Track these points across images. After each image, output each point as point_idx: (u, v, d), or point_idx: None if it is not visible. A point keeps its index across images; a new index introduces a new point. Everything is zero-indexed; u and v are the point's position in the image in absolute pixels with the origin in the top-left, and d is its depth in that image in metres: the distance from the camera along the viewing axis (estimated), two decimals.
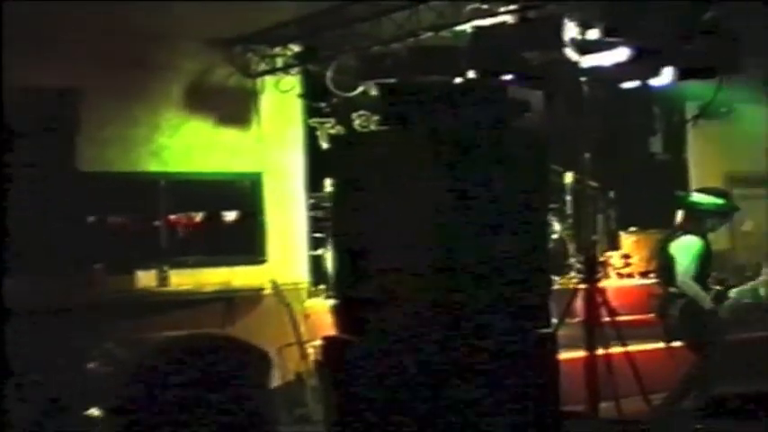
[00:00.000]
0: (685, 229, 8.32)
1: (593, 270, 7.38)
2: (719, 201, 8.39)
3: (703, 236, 8.27)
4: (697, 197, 8.53)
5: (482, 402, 5.32)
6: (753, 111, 14.12)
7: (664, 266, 8.40)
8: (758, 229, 13.58)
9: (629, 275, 11.66)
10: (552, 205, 10.95)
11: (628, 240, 12.18)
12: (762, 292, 11.90)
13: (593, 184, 11.25)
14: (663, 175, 13.07)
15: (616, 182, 12.12)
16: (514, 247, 5.48)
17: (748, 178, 14.35)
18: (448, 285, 5.26)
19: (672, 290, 8.28)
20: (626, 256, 11.83)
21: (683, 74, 7.29)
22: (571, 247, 11.11)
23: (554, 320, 6.84)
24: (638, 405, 7.63)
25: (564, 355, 7.37)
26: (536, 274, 5.67)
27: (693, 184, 13.58)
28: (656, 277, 8.76)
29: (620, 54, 6.86)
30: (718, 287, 8.33)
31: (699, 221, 8.31)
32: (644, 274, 11.59)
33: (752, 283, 8.89)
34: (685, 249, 8.19)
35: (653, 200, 12.24)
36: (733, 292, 8.46)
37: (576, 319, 7.66)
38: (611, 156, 11.93)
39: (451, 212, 5.17)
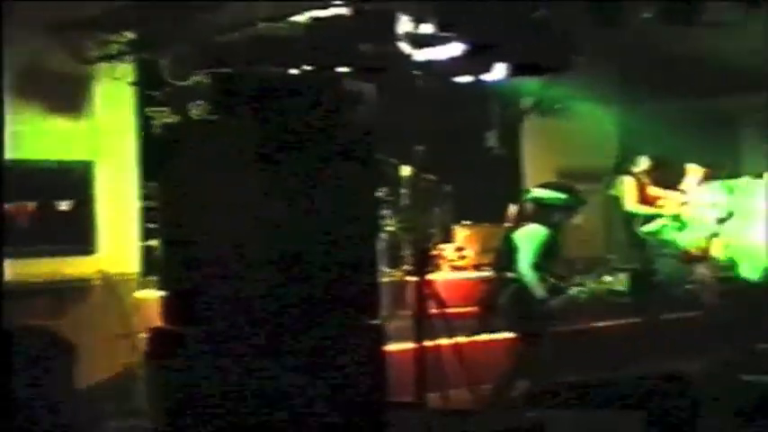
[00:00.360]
0: (533, 219, 8.53)
1: (423, 263, 7.48)
2: (562, 195, 8.60)
3: (551, 227, 8.46)
4: (539, 192, 8.72)
5: (308, 394, 5.34)
6: (585, 107, 14.55)
7: (505, 254, 8.57)
8: (588, 224, 13.97)
9: (463, 268, 11.84)
10: (387, 198, 11.05)
11: (462, 233, 12.37)
12: (620, 286, 12.38)
13: (430, 177, 11.45)
14: (498, 170, 13.33)
15: (452, 175, 12.29)
16: (342, 239, 5.52)
17: (580, 173, 14.77)
18: (274, 277, 5.26)
19: (508, 276, 8.47)
20: (460, 249, 12.02)
21: (515, 70, 7.45)
22: (406, 240, 11.22)
23: (384, 313, 6.95)
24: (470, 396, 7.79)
25: (393, 347, 7.53)
26: (364, 266, 5.73)
27: (527, 178, 13.91)
28: (496, 265, 8.92)
29: (454, 49, 6.97)
30: (553, 279, 8.53)
31: (545, 214, 8.50)
32: (477, 267, 11.82)
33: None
34: (529, 238, 8.37)
35: (488, 194, 12.49)
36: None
37: (407, 312, 7.74)
38: (447, 150, 12.14)
39: (278, 204, 5.16)
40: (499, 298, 8.50)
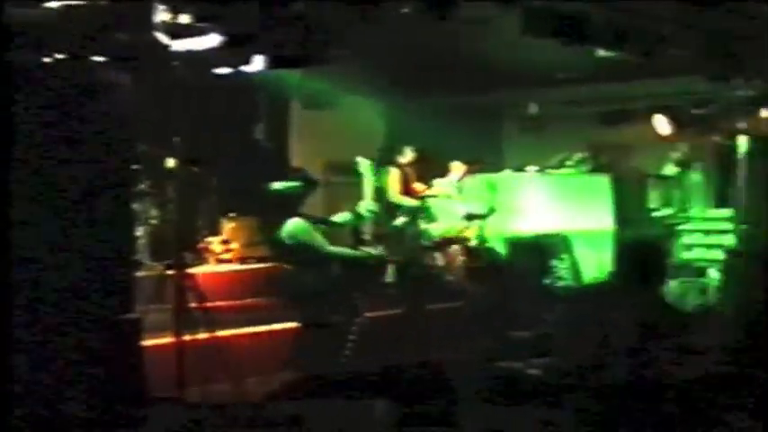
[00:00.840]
0: (288, 212, 8.69)
1: (182, 256, 7.41)
2: (294, 184, 8.82)
3: (302, 216, 8.67)
4: (278, 185, 8.96)
5: (63, 389, 5.22)
6: (353, 101, 14.73)
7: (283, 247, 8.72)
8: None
9: (229, 261, 11.79)
10: (151, 190, 10.87)
11: (228, 226, 12.30)
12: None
13: (195, 169, 11.29)
14: (265, 162, 13.33)
15: (218, 168, 12.20)
16: (98, 232, 5.42)
17: (348, 166, 14.95)
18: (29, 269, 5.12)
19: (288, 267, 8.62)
20: (226, 242, 11.95)
21: (274, 62, 7.47)
22: (170, 233, 11.05)
23: (142, 307, 6.85)
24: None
25: (153, 341, 7.44)
26: (120, 259, 5.64)
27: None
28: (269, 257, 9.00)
29: (212, 40, 6.92)
30: None
31: (292, 205, 8.67)
32: (244, 260, 11.80)
33: None
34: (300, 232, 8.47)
35: (255, 186, 12.48)
36: None
37: (168, 305, 7.62)
38: (213, 142, 12.05)
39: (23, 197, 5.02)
40: (280, 289, 8.57)
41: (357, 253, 9.37)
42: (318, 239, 8.77)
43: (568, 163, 13.60)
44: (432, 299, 11.39)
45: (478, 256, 12.50)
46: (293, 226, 8.59)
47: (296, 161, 14.20)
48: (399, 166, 12.65)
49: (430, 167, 13.17)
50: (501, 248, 12.59)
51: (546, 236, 12.44)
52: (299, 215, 8.67)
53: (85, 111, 5.64)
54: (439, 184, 12.92)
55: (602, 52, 9.34)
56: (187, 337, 7.12)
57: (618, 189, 13.36)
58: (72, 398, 5.44)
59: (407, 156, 12.72)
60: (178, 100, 10.48)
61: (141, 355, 6.21)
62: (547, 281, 12.09)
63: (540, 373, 5.88)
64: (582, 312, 6.18)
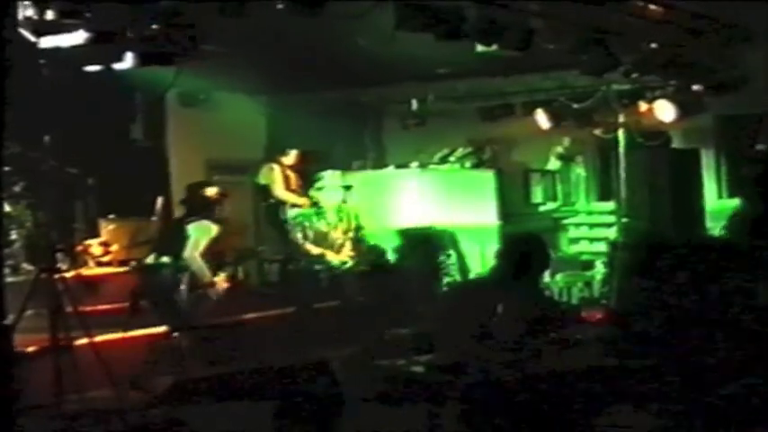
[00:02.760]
0: (199, 214, 8.79)
1: (53, 258, 7.28)
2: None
3: (217, 221, 8.79)
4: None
5: None
6: (231, 98, 14.64)
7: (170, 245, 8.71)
8: (238, 216, 14.12)
9: (109, 263, 11.58)
10: (23, 192, 10.64)
11: (107, 228, 12.09)
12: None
13: (71, 170, 11.08)
14: (143, 162, 13.14)
15: (95, 168, 11.98)
16: None
17: (229, 165, 14.86)
18: None
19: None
20: (105, 244, 11.73)
21: (143, 59, 7.38)
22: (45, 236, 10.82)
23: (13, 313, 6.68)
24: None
25: (25, 348, 7.28)
26: None
27: (174, 170, 13.82)
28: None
29: (79, 37, 6.79)
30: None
31: (209, 208, 8.79)
32: (123, 263, 11.59)
33: None
34: (200, 230, 8.38)
35: (133, 187, 12.30)
36: None
37: (42, 310, 7.46)
38: (89, 142, 11.83)
39: None
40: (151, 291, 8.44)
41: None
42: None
43: (451, 159, 13.75)
44: (315, 298, 11.42)
45: (364, 252, 12.56)
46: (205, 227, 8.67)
47: (175, 160, 14.04)
48: (281, 164, 12.61)
49: (310, 164, 13.16)
50: (387, 245, 12.67)
51: (433, 231, 12.57)
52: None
53: None
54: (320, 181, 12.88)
55: (479, 47, 9.46)
56: (64, 342, 6.99)
57: (501, 183, 13.55)
58: None
59: (290, 156, 12.69)
60: (49, 99, 10.24)
61: (12, 363, 6.05)
62: (433, 277, 12.21)
63: (423, 371, 5.91)
64: (464, 307, 6.24)
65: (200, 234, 8.60)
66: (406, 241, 12.45)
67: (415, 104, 14.74)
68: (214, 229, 8.66)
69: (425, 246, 12.37)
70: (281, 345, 9.91)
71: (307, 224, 12.48)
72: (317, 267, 12.35)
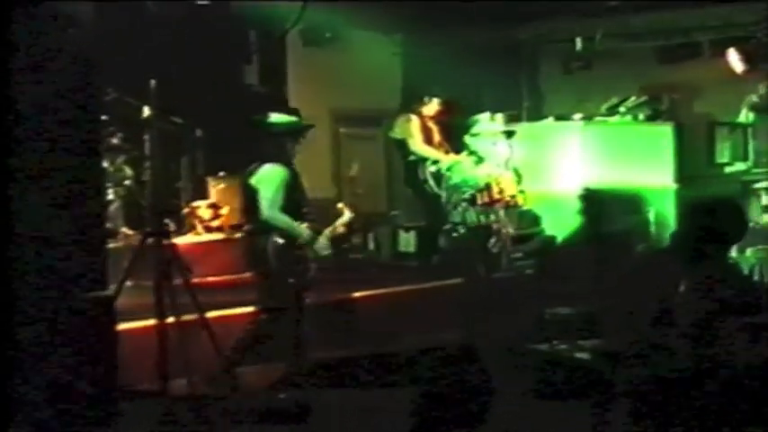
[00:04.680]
0: (265, 158, 8.50)
1: (160, 223, 7.45)
2: (291, 118, 8.76)
3: (288, 164, 8.48)
4: (270, 116, 8.83)
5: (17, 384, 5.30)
6: (362, 37, 14.70)
7: (248, 205, 8.54)
8: (367, 175, 14.19)
9: (219, 229, 11.78)
10: (123, 145, 10.92)
11: (217, 187, 12.30)
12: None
13: (176, 119, 11.30)
14: (258, 111, 13.31)
15: (203, 118, 12.23)
16: (58, 195, 5.47)
17: (358, 115, 14.97)
18: None
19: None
20: (214, 206, 11.93)
21: None
22: (148, 196, 11.09)
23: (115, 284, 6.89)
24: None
25: (128, 325, 7.51)
26: (85, 228, 5.69)
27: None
28: (245, 222, 8.89)
29: None
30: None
31: (278, 147, 8.55)
32: (236, 227, 11.77)
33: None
34: (268, 180, 8.36)
35: (246, 140, 12.47)
36: None
37: (147, 282, 7.66)
38: (197, 88, 12.06)
39: None
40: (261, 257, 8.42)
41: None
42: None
43: (621, 109, 13.56)
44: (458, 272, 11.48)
45: (522, 220, 12.51)
46: (267, 172, 8.46)
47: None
48: (421, 115, 12.56)
49: (455, 116, 13.10)
50: (545, 210, 12.65)
51: (604, 194, 12.46)
52: (285, 160, 8.55)
53: (37, 51, 5.64)
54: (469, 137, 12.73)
55: None
56: (171, 320, 7.17)
57: (680, 139, 13.32)
58: (36, 391, 5.50)
59: (431, 105, 12.61)
60: (152, 38, 10.46)
61: (117, 340, 6.26)
62: (604, 248, 12.12)
63: (588, 358, 5.91)
64: (639, 284, 6.19)
65: (267, 184, 8.29)
66: (578, 204, 12.39)
67: (579, 44, 14.59)
68: (283, 173, 8.31)
69: (594, 212, 12.26)
70: (412, 326, 10.04)
71: (453, 176, 12.28)
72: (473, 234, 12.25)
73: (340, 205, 8.96)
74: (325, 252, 8.47)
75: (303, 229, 8.32)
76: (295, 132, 8.70)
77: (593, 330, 6.25)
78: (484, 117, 12.51)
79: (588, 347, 6.05)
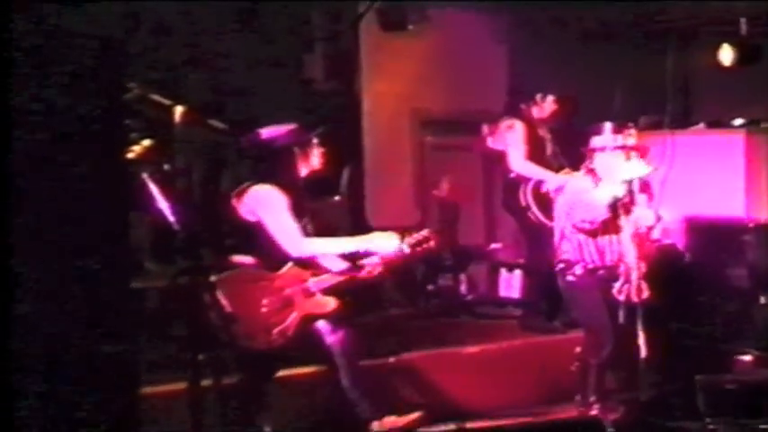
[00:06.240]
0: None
1: (196, 254, 7.48)
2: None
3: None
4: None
5: None
6: (457, 20, 14.72)
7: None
8: (456, 195, 14.15)
9: None
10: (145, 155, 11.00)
11: None
12: None
13: (218, 124, 11.37)
14: (323, 114, 13.38)
15: (251, 123, 12.29)
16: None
17: (447, 119, 14.96)
18: None
19: None
20: None
21: None
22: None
23: None
24: None
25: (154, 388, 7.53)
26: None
27: (367, 125, 13.98)
28: None
29: None
30: None
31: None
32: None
33: None
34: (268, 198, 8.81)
35: None
36: None
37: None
38: (243, 81, 12.15)
39: None
40: None
41: None
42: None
43: None
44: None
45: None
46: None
47: (370, 110, 14.19)
48: (530, 121, 12.35)
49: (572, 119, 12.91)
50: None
51: None
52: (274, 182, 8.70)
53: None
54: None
55: None
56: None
57: None
58: None
59: (544, 104, 12.43)
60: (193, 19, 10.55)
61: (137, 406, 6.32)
62: None
63: None
64: None
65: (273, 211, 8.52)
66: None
67: (744, 26, 14.44)
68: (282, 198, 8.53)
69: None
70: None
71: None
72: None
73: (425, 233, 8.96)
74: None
75: (355, 240, 8.53)
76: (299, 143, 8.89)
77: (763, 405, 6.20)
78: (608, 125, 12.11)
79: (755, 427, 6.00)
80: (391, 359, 9.88)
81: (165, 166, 11.03)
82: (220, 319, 7.90)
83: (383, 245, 8.49)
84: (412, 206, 14.45)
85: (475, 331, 11.73)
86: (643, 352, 9.02)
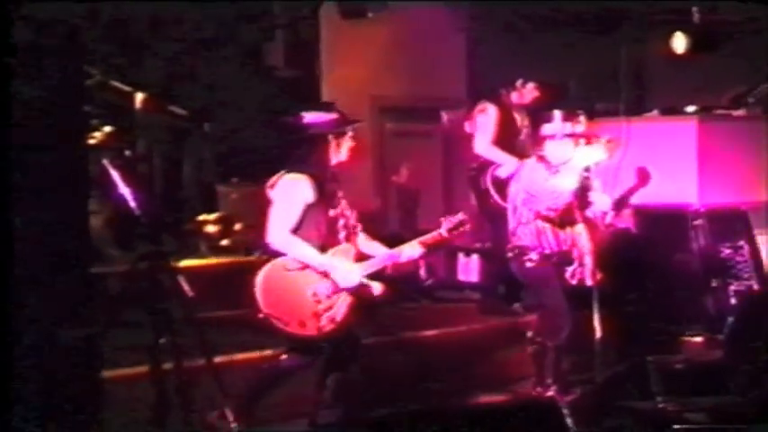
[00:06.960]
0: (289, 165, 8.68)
1: (157, 240, 7.46)
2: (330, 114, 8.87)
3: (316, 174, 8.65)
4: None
5: None
6: (417, 7, 14.69)
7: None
8: (416, 181, 14.16)
9: (229, 249, 11.77)
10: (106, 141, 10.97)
11: (230, 197, 12.33)
12: None
13: (179, 110, 11.32)
14: (282, 100, 13.34)
15: (213, 109, 12.28)
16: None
17: (409, 106, 14.95)
18: None
19: None
20: (225, 221, 11.92)
21: None
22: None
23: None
24: None
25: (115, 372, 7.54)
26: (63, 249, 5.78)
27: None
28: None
29: None
30: None
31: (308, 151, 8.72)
32: (252, 249, 11.68)
33: None
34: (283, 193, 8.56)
35: (268, 137, 12.48)
36: None
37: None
38: (204, 69, 12.14)
39: None
40: None
41: None
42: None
43: (750, 100, 13.48)
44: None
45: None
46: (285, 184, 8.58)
47: (330, 97, 14.17)
48: (505, 106, 12.16)
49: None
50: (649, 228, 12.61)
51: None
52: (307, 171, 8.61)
53: None
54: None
55: None
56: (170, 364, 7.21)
57: None
58: None
59: (524, 89, 12.22)
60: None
61: (99, 388, 6.33)
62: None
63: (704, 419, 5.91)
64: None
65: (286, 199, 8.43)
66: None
67: (697, 14, 14.47)
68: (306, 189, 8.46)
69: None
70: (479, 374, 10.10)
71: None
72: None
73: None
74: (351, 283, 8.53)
75: (319, 256, 8.40)
76: (336, 132, 8.75)
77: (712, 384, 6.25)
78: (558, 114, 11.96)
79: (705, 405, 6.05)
80: None
81: (127, 152, 11.03)
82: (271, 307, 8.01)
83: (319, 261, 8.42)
84: (372, 192, 14.42)
85: (434, 315, 11.74)
86: (598, 334, 9.06)
